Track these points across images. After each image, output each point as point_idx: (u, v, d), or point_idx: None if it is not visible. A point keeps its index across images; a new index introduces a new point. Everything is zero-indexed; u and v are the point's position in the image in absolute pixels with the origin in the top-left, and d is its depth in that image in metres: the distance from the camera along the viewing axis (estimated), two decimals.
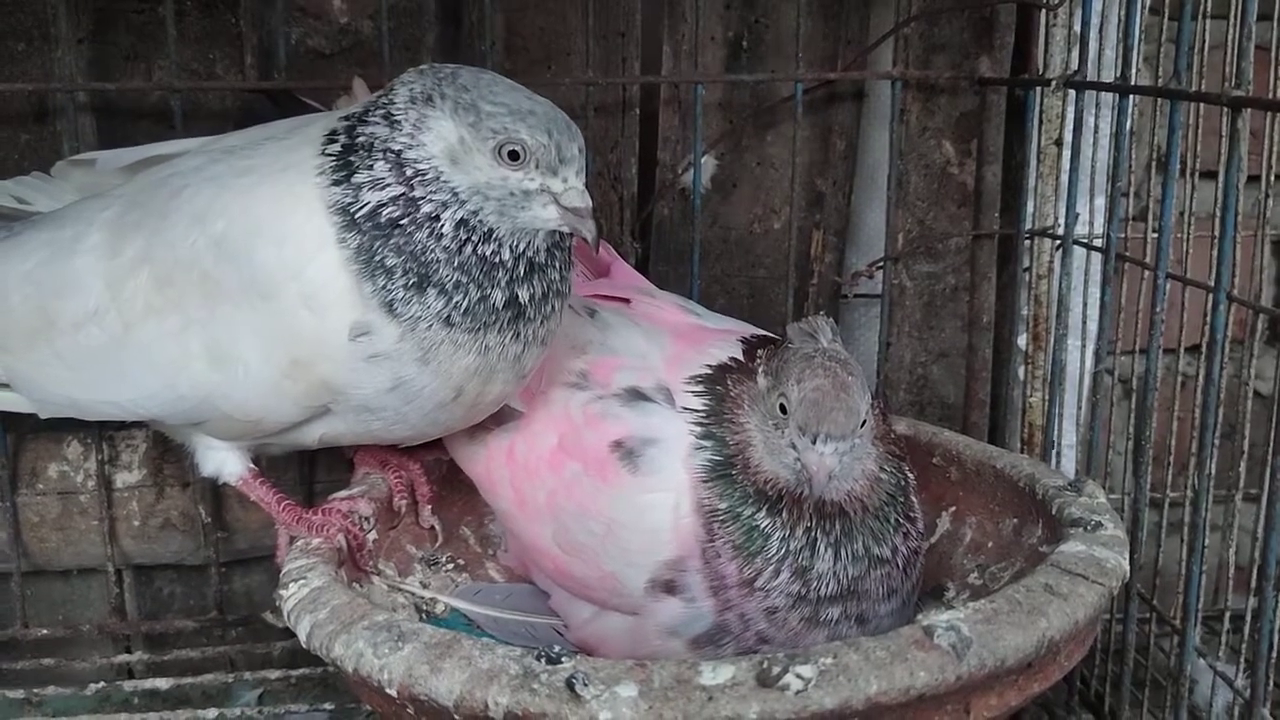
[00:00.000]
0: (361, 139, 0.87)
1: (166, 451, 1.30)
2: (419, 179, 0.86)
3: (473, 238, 0.87)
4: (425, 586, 1.04)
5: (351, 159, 0.87)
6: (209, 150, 0.95)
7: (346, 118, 0.90)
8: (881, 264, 1.33)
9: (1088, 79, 1.21)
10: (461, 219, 0.86)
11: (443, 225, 0.86)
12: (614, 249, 1.24)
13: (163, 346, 0.90)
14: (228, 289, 0.87)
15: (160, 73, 1.26)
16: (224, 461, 0.98)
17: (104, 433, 1.29)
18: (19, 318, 0.96)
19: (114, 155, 1.05)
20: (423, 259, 0.86)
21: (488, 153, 0.86)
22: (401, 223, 0.86)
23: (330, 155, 0.88)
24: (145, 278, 0.90)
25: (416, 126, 0.87)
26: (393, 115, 0.88)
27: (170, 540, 1.32)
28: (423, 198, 0.86)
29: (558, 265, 0.91)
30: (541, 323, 0.91)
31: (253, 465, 0.99)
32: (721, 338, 1.01)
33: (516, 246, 0.88)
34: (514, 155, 0.86)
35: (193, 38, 1.27)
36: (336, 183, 0.86)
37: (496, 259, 0.87)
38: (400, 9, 1.28)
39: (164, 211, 0.91)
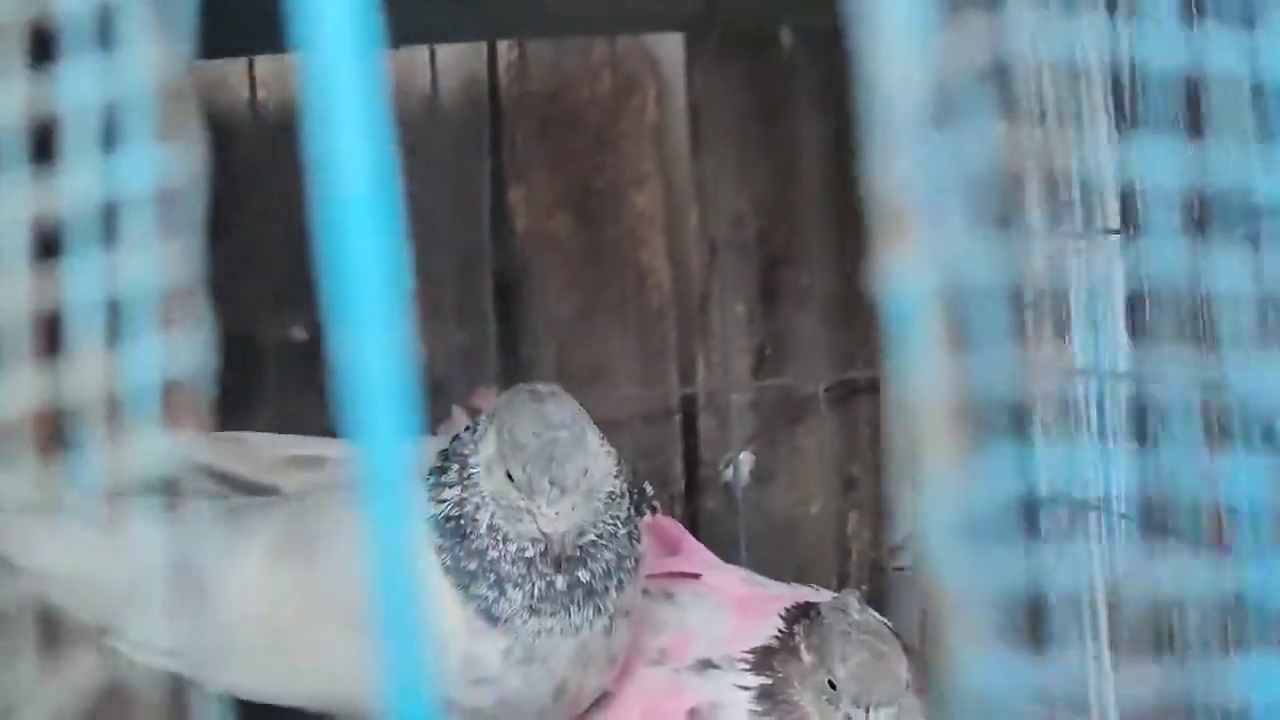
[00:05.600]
0: (450, 448, 1.02)
1: None
2: (469, 480, 1.00)
3: (499, 537, 0.98)
4: None
5: (441, 465, 1.01)
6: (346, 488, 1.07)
7: (451, 439, 1.04)
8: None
9: None
10: (489, 517, 0.98)
11: (481, 525, 0.99)
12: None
13: (308, 655, 1.04)
14: (364, 623, 1.01)
15: (261, 423, 1.41)
16: None
17: None
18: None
19: (267, 440, 1.18)
20: (486, 556, 0.98)
21: (502, 470, 0.99)
22: (461, 522, 0.99)
23: (430, 482, 1.01)
24: (299, 599, 1.04)
25: (479, 438, 1.01)
26: (474, 429, 1.03)
27: None
28: (468, 498, 0.99)
29: (619, 543, 1.00)
30: (617, 593, 1.01)
31: None
32: (777, 607, 1.13)
33: (535, 546, 0.98)
34: (510, 477, 0.99)
35: (291, 389, 1.44)
36: (431, 499, 1.00)
37: (526, 555, 0.98)
38: (465, 348, 1.46)
39: (314, 547, 1.04)
